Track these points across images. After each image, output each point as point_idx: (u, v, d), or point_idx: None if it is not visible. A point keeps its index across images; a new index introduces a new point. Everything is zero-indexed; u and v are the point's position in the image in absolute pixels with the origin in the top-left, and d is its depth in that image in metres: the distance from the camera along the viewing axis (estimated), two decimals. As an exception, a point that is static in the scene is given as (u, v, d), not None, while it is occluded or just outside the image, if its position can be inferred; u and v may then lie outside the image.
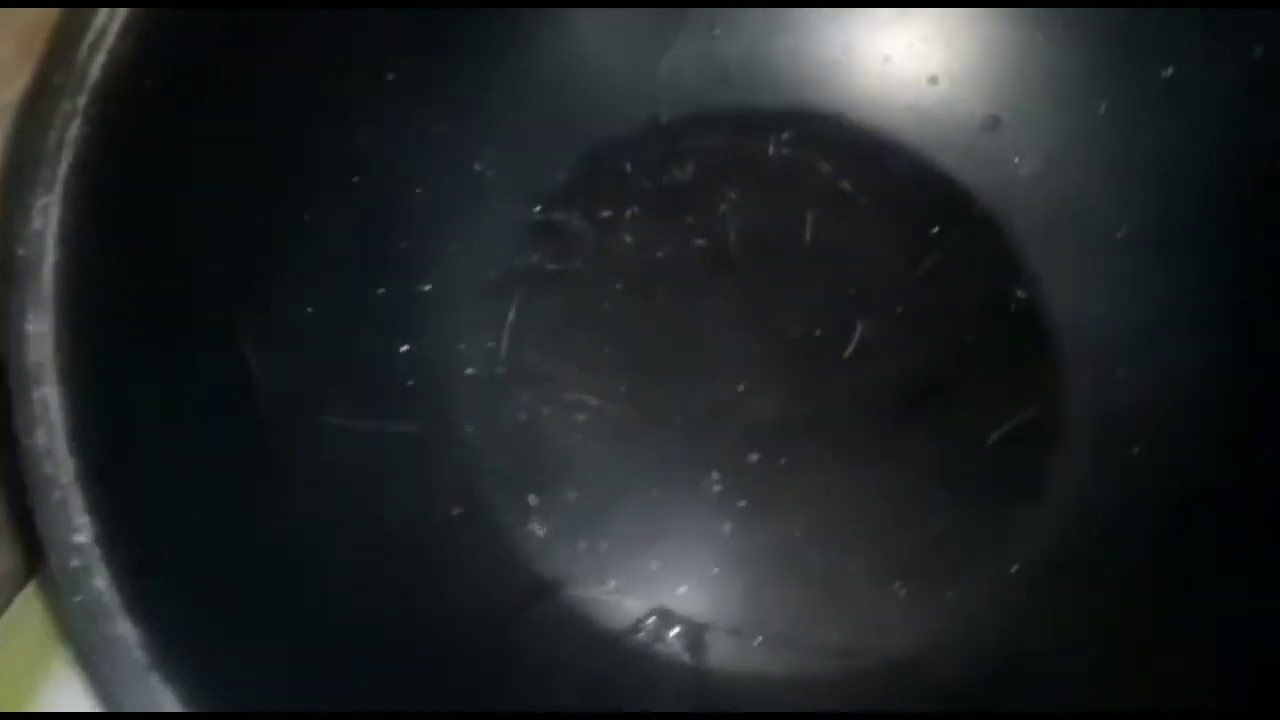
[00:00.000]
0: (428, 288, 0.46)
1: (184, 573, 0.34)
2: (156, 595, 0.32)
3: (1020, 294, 0.47)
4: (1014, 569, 0.44)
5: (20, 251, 0.33)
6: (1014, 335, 0.47)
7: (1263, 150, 0.44)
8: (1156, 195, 0.46)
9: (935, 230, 0.48)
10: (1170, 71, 0.45)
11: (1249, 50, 0.43)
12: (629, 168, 0.49)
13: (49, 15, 0.41)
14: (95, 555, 0.32)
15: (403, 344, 0.46)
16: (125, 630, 0.31)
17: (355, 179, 0.45)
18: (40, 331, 0.33)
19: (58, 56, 0.34)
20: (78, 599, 0.32)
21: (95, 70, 0.34)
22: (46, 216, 0.34)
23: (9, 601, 0.44)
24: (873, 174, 0.49)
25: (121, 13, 0.35)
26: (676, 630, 0.44)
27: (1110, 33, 0.46)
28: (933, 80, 0.49)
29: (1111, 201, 0.47)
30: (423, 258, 0.46)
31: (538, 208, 0.48)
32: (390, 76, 0.45)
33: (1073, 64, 0.47)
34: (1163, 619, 0.42)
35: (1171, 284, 0.46)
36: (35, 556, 0.43)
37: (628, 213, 0.48)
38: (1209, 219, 0.45)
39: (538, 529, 0.45)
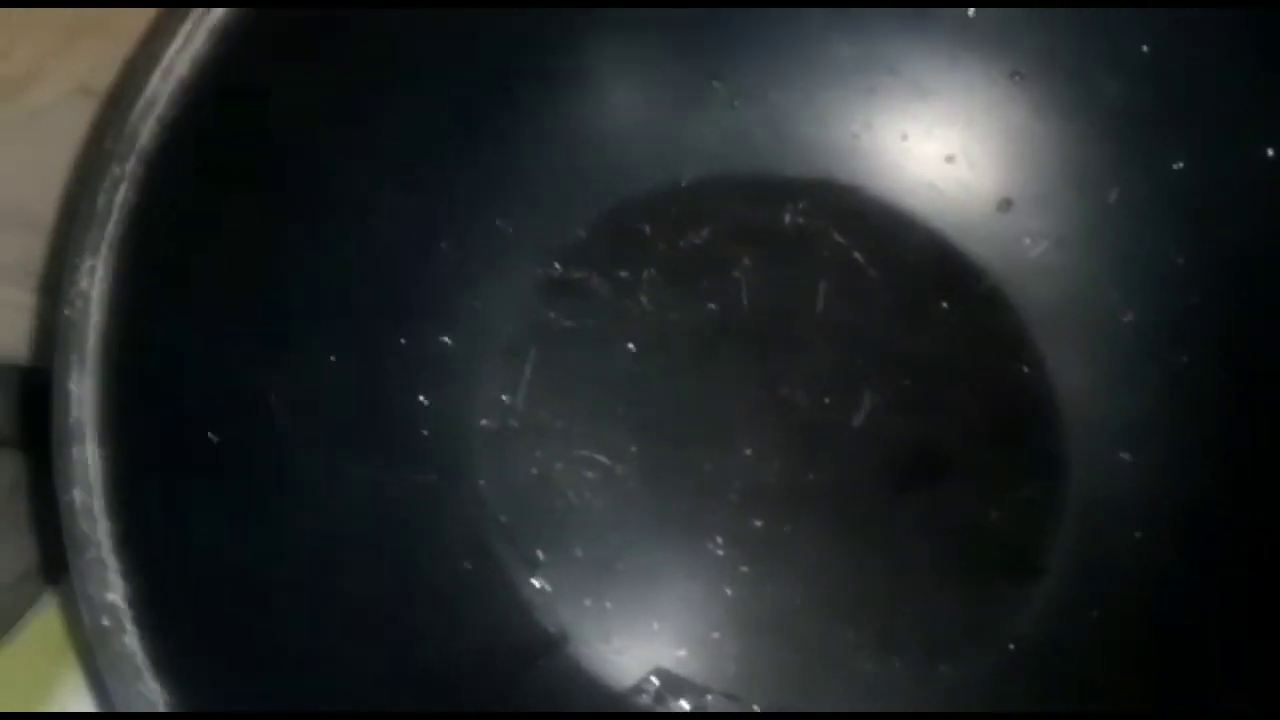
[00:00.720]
0: (447, 340, 0.47)
1: (212, 632, 0.35)
2: (186, 656, 0.33)
3: (1026, 372, 0.48)
4: (1011, 646, 0.45)
5: (66, 311, 0.34)
6: (1018, 413, 0.48)
7: (1269, 247, 0.45)
8: (1164, 283, 0.47)
9: (945, 305, 0.49)
10: (1181, 165, 0.46)
11: (1260, 150, 0.44)
12: (648, 230, 0.49)
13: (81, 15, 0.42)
14: (128, 615, 0.32)
15: (421, 395, 0.46)
16: (153, 691, 0.32)
17: (382, 234, 0.45)
18: (82, 391, 0.34)
19: (109, 120, 0.35)
20: (107, 656, 0.32)
21: (145, 136, 0.35)
22: (93, 278, 0.34)
23: (32, 602, 0.45)
24: (886, 247, 0.49)
25: (171, 81, 0.35)
26: (676, 692, 0.44)
27: (1125, 123, 0.47)
28: (949, 159, 0.49)
29: (1120, 286, 0.48)
30: (444, 311, 0.47)
31: (557, 265, 0.49)
32: (421, 136, 0.45)
33: (1087, 151, 0.48)
34: (1163, 702, 0.43)
35: (1178, 370, 0.46)
36: (58, 560, 0.44)
37: (644, 274, 0.49)
38: (1216, 308, 0.46)
39: (544, 584, 0.45)
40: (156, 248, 0.35)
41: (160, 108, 0.35)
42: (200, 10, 0.36)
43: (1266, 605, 0.42)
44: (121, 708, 0.32)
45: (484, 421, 0.47)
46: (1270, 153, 0.44)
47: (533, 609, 0.45)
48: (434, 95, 0.45)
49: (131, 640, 0.32)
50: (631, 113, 0.49)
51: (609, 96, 0.49)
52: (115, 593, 0.32)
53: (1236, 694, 0.41)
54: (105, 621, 0.32)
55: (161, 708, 0.32)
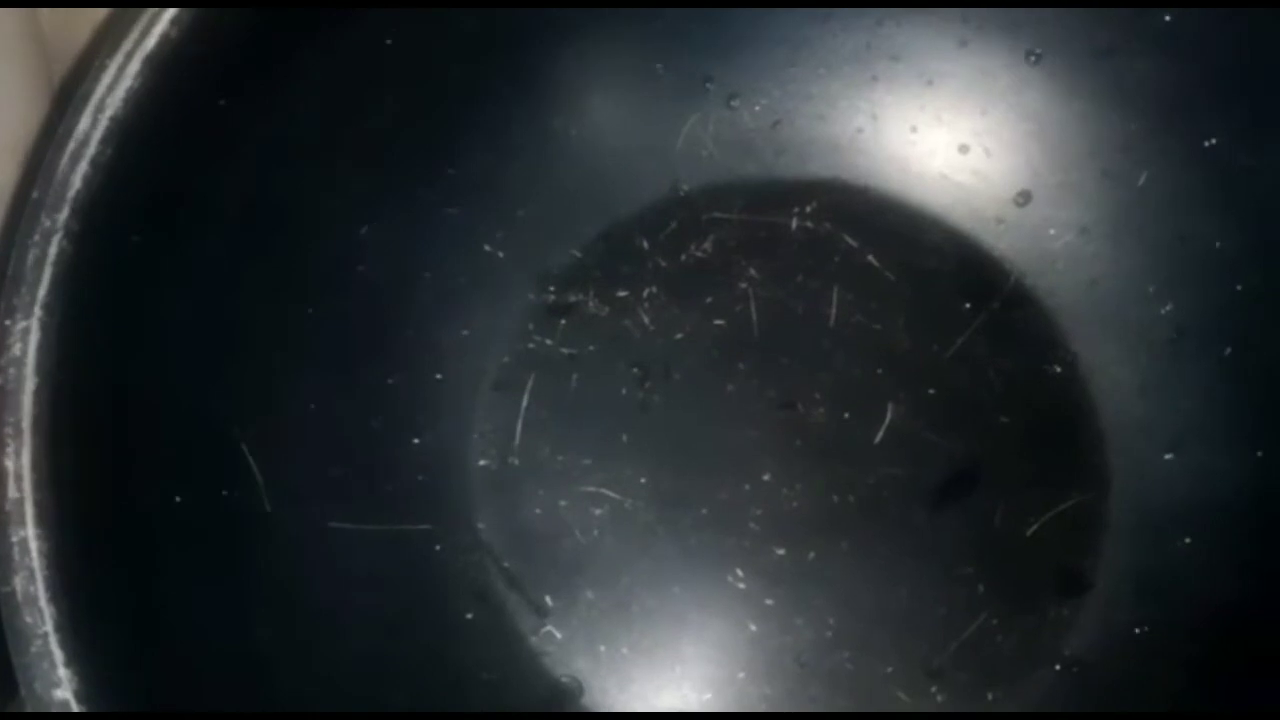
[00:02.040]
0: (439, 376, 0.45)
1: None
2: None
3: (1058, 373, 0.46)
4: (1058, 667, 0.43)
5: (-2, 381, 0.31)
6: (1052, 417, 0.46)
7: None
8: (1203, 270, 0.45)
9: (967, 306, 0.46)
10: (1214, 141, 0.43)
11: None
12: (646, 244, 0.47)
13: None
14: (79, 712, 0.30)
15: (414, 437, 0.44)
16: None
17: (360, 268, 0.43)
18: (19, 467, 0.31)
19: (36, 168, 0.32)
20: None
21: (77, 182, 0.32)
22: (25, 341, 0.32)
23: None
24: (901, 248, 0.47)
25: (103, 119, 0.33)
26: (704, 742, 0.42)
27: (1151, 100, 0.44)
28: (963, 150, 0.47)
29: (1154, 276, 0.45)
30: (433, 345, 0.45)
31: (551, 289, 0.47)
32: (395, 159, 0.43)
33: (1111, 133, 0.45)
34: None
35: (1222, 363, 0.44)
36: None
37: (644, 292, 0.47)
38: (1261, 295, 0.44)
39: (555, 631, 0.43)
40: (96, 303, 0.33)
41: (92, 148, 0.33)
42: (133, 41, 0.33)
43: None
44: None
45: (481, 461, 0.45)
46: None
47: (543, 658, 0.43)
48: (404, 114, 0.43)
49: (85, 746, 0.29)
50: (621, 121, 0.47)
51: (595, 105, 0.47)
52: (64, 689, 0.30)
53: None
54: (55, 723, 0.30)
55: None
